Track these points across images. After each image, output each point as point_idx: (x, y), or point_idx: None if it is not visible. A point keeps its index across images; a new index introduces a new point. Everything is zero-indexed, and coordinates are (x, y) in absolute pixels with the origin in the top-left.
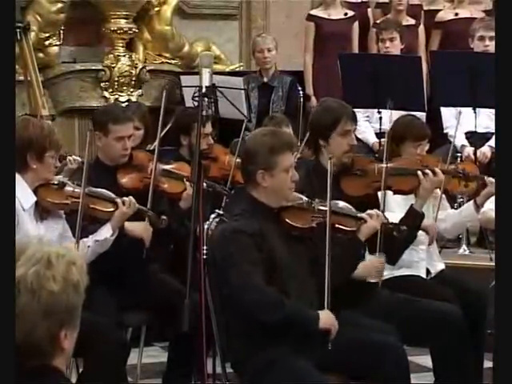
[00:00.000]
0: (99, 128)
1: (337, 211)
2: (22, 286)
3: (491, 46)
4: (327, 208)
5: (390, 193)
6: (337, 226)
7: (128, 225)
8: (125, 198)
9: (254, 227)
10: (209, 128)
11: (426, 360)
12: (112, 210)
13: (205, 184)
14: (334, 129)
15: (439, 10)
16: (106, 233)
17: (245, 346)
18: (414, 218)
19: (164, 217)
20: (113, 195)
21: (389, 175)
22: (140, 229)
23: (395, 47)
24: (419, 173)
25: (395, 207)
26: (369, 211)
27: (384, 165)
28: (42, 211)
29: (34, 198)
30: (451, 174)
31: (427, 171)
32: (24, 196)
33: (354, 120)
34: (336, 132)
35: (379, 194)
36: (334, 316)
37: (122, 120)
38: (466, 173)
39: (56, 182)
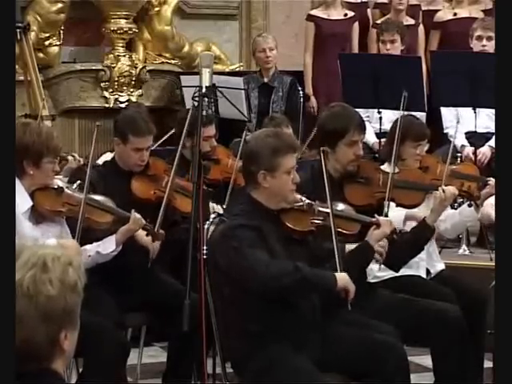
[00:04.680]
0: (119, 135)
1: (337, 214)
2: (19, 292)
3: (488, 46)
4: (328, 210)
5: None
6: (337, 229)
7: (137, 233)
8: (133, 215)
9: (255, 223)
10: (212, 130)
11: (426, 360)
12: (109, 221)
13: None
14: (341, 138)
15: (438, 10)
16: (109, 247)
17: (245, 346)
18: (424, 231)
19: (162, 231)
20: (113, 205)
21: (394, 187)
22: (148, 238)
23: (396, 49)
24: (440, 190)
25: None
26: (380, 218)
27: (391, 170)
28: (38, 215)
29: (30, 203)
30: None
31: (444, 188)
32: (20, 200)
33: (363, 130)
34: (343, 142)
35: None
36: (348, 277)
37: (142, 133)
38: (470, 192)
39: (55, 187)
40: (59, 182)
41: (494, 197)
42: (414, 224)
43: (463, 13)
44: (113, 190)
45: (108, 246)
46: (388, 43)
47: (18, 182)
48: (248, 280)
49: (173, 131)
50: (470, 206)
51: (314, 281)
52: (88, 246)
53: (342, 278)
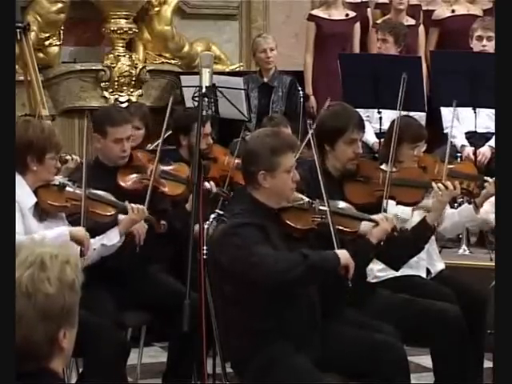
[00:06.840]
0: (97, 130)
1: (338, 212)
2: (18, 290)
3: (488, 46)
4: (327, 208)
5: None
6: (338, 227)
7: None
8: (134, 205)
9: (258, 221)
10: (208, 128)
11: (426, 360)
12: (112, 213)
13: (208, 185)
14: (340, 136)
15: None
16: (113, 238)
17: (245, 346)
18: (424, 231)
19: (163, 222)
20: (114, 199)
21: (393, 185)
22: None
23: (387, 49)
24: (435, 186)
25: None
26: (380, 214)
27: (388, 169)
28: (42, 212)
29: (34, 199)
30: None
31: (441, 185)
32: (24, 197)
33: (362, 128)
34: (342, 140)
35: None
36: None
37: (119, 122)
38: (470, 189)
39: (57, 183)
40: (60, 178)
41: (491, 202)
42: (422, 214)
43: (461, 9)
44: (100, 189)
45: (112, 238)
46: (379, 42)
47: (21, 179)
48: (256, 276)
49: (170, 132)
50: (469, 203)
51: (321, 264)
52: (92, 240)
53: (342, 254)
